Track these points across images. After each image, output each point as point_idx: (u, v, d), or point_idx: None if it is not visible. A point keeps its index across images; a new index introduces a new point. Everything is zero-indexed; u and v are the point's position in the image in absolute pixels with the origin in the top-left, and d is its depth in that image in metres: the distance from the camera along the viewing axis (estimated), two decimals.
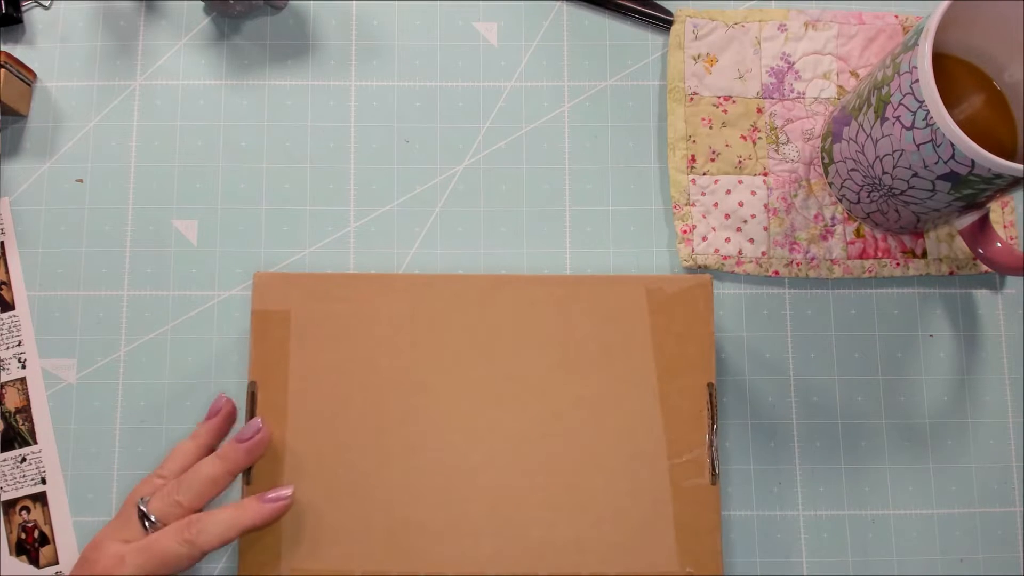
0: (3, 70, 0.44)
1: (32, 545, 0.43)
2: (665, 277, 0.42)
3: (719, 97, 0.47)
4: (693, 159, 0.46)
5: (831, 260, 0.45)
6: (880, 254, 0.46)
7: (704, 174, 0.46)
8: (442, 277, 0.42)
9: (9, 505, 0.44)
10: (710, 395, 0.40)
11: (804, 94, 0.47)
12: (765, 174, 0.46)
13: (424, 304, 0.41)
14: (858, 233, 0.46)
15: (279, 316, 0.41)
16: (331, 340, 0.41)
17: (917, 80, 0.35)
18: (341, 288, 0.42)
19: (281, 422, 0.40)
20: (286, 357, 0.41)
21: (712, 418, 0.40)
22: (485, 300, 0.41)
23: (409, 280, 0.42)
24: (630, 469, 0.40)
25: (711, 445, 0.40)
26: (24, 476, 0.44)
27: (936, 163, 0.36)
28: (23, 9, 0.48)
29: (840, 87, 0.47)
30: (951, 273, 0.46)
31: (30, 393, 0.44)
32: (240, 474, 0.39)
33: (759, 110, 0.47)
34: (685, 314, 0.41)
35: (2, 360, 0.45)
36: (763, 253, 0.45)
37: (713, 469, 0.40)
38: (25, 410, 0.44)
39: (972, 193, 0.37)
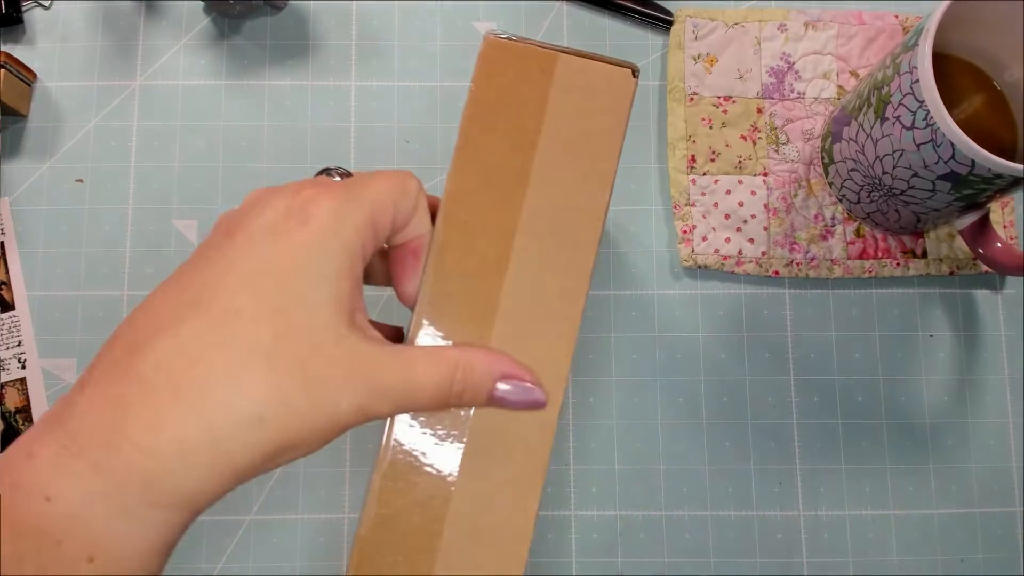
0: (3, 70, 0.44)
1: None
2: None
3: (719, 97, 0.47)
4: (693, 159, 0.46)
5: (831, 260, 0.45)
6: (880, 254, 0.46)
7: (704, 174, 0.46)
8: None
9: None
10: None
11: (804, 94, 0.47)
12: (765, 174, 0.46)
13: None
14: (858, 233, 0.46)
15: None
16: None
17: (917, 80, 0.35)
18: None
19: None
20: None
21: None
22: None
23: None
24: None
25: None
26: None
27: (936, 163, 0.36)
28: (23, 9, 0.48)
29: (840, 87, 0.47)
30: (951, 273, 0.46)
31: (30, 393, 0.44)
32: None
33: (759, 110, 0.47)
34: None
35: (2, 360, 0.45)
36: (763, 253, 0.45)
37: None
38: (25, 410, 0.44)
39: (972, 193, 0.37)
